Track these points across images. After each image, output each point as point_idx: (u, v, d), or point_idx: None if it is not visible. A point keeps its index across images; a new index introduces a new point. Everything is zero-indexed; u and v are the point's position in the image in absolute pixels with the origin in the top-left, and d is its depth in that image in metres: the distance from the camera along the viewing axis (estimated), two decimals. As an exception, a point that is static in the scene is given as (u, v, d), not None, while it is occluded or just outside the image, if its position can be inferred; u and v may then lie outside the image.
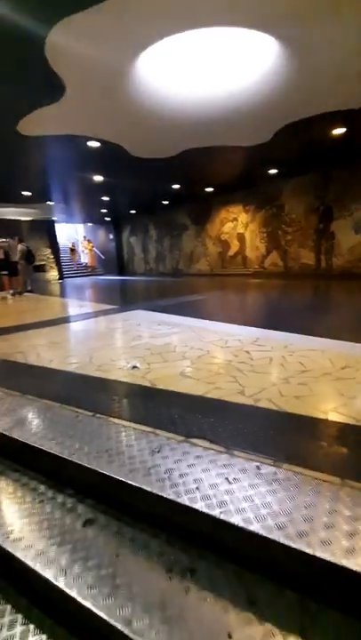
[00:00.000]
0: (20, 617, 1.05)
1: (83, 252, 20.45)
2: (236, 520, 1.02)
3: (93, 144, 6.16)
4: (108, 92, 4.41)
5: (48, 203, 12.13)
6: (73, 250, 17.46)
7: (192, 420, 1.69)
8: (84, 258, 20.38)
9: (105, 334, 3.86)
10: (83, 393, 2.19)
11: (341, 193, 9.17)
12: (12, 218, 14.73)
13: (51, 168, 7.89)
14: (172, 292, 9.09)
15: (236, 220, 12.18)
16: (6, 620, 1.04)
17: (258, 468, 1.27)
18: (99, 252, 19.90)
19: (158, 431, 1.60)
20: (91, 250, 19.82)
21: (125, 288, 11.24)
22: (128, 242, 18.16)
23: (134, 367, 2.59)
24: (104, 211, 14.79)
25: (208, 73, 4.16)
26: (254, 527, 0.99)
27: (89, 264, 19.90)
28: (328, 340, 3.07)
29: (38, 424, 1.79)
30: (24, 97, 4.40)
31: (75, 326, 4.44)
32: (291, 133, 6.25)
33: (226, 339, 3.29)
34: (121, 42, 3.42)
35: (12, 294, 9.15)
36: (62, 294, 9.66)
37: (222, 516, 1.03)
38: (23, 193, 10.17)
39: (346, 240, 9.32)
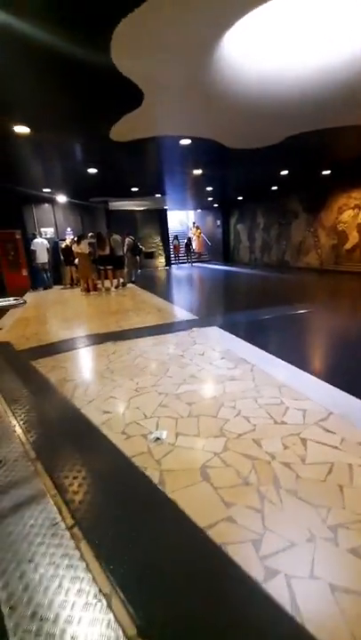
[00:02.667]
0: None
1: (192, 238, 20.59)
2: None
3: (185, 142, 5.74)
4: (187, 92, 3.89)
5: (156, 196, 12.35)
6: (177, 247, 18.03)
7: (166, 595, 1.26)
8: (193, 244, 20.51)
9: (160, 366, 3.58)
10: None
11: None
12: (129, 209, 15.65)
13: (149, 166, 7.83)
14: (269, 296, 8.25)
15: (358, 207, 10.15)
16: None
17: None
18: (206, 239, 19.72)
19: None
20: (199, 236, 19.78)
21: (220, 286, 10.78)
22: (235, 229, 17.38)
23: (157, 439, 2.24)
24: (210, 199, 14.33)
25: (309, 43, 3.21)
26: None
27: (196, 250, 19.95)
28: None
29: None
30: (105, 108, 4.27)
31: (135, 345, 4.29)
32: None
33: (287, 403, 2.61)
34: (199, 22, 2.81)
35: (116, 287, 9.74)
36: (158, 289, 9.83)
37: None
38: (132, 189, 10.54)
39: None
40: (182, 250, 18.50)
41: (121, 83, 3.51)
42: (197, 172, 8.09)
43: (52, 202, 11.24)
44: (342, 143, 6.67)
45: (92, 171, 7.54)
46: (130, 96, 3.85)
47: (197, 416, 2.52)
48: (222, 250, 18.11)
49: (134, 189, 10.63)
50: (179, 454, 2.10)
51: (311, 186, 11.55)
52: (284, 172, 9.27)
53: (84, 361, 3.90)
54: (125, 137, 5.35)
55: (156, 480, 1.89)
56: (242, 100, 4.24)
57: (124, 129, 4.92)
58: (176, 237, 17.82)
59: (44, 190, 9.67)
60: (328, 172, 9.60)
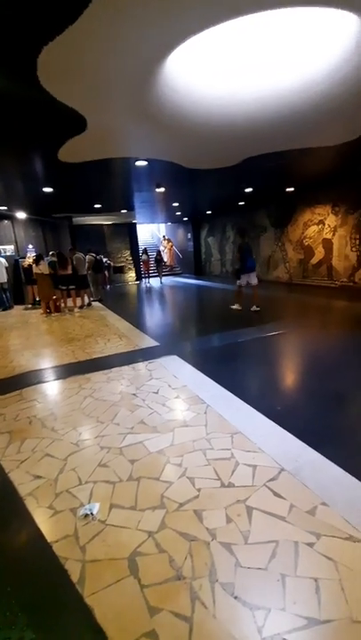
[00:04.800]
0: None
1: (162, 250, 20.49)
2: None
3: (141, 163, 5.58)
4: (132, 115, 3.73)
5: (122, 211, 12.15)
6: (146, 262, 16.46)
7: None
8: (164, 257, 20.40)
9: (109, 410, 3.30)
10: None
11: None
12: (95, 223, 15.34)
13: (109, 185, 7.61)
14: (236, 314, 8.15)
15: (322, 223, 10.35)
16: None
17: None
18: (178, 252, 19.67)
19: None
20: (170, 249, 19.70)
21: (188, 304, 10.63)
22: (206, 242, 17.43)
23: (87, 516, 1.97)
24: (179, 213, 14.27)
25: (259, 70, 3.12)
26: None
27: (168, 263, 19.83)
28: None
29: None
30: (46, 133, 4.03)
31: (87, 382, 3.99)
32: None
33: (238, 456, 2.40)
34: (143, 45, 2.65)
35: (80, 307, 9.38)
36: (123, 309, 9.55)
37: None
38: (95, 206, 10.27)
39: None
40: (152, 264, 17.18)
41: (58, 108, 3.29)
42: (160, 190, 7.95)
43: (11, 218, 10.77)
44: (301, 163, 6.73)
45: (48, 190, 7.24)
46: (71, 120, 3.63)
47: (138, 479, 2.26)
48: (194, 263, 18.09)
49: (97, 206, 10.38)
50: (108, 537, 1.83)
51: (277, 201, 11.72)
52: (249, 190, 9.31)
53: (26, 406, 3.55)
54: (75, 158, 5.12)
55: (75, 577, 1.62)
56: (194, 123, 4.12)
57: (73, 151, 4.69)
58: (145, 251, 16.34)
59: (0, 208, 9.24)
60: (292, 189, 9.74)
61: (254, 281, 7.44)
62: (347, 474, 2.17)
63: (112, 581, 1.59)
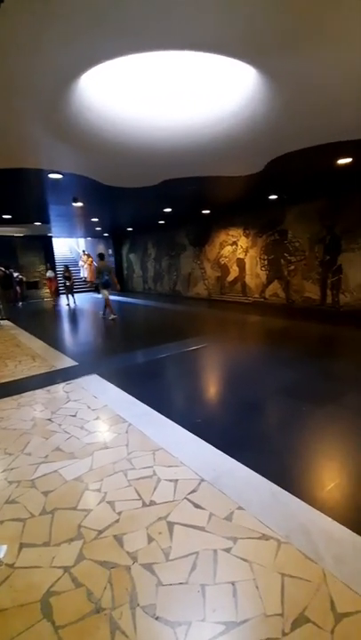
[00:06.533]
0: None
1: (82, 266, 19.86)
2: None
3: (55, 176, 5.41)
4: (44, 128, 3.63)
5: (36, 224, 11.51)
6: (51, 280, 14.52)
7: None
8: (84, 272, 19.76)
9: (19, 439, 3.02)
10: None
11: (352, 223, 8.16)
12: (5, 234, 14.20)
13: (19, 196, 7.17)
14: (160, 330, 8.26)
15: (235, 244, 11.27)
16: None
17: None
18: (98, 268, 19.26)
19: None
20: (90, 264, 19.17)
21: (110, 320, 10.44)
22: (128, 258, 17.47)
23: (-9, 562, 1.75)
24: (99, 228, 14.09)
25: (175, 100, 3.33)
26: None
27: (88, 279, 19.25)
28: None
29: None
30: None
31: None
32: (289, 162, 5.34)
33: (159, 473, 2.40)
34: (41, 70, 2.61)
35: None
36: (37, 327, 8.92)
37: None
38: (4, 216, 9.54)
39: (355, 275, 8.29)
40: (60, 282, 14.71)
41: None
42: (78, 204, 7.77)
43: None
44: (215, 189, 7.28)
45: None
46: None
47: (53, 511, 2.09)
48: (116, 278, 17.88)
49: (7, 216, 9.66)
50: (17, 581, 1.65)
51: (195, 222, 12.40)
52: (168, 210, 9.69)
53: None
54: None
55: (-26, 638, 1.41)
56: (110, 142, 4.16)
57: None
58: (67, 269, 13.00)
59: None
60: (208, 211, 10.43)
61: (108, 295, 9.26)
62: (258, 475, 2.34)
63: (22, 629, 1.43)
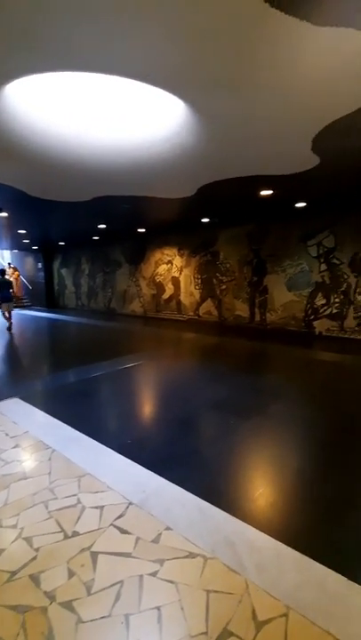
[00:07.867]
0: None
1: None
2: None
3: (-24, 183, 5.04)
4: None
5: None
6: None
7: None
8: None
9: None
10: None
11: (277, 247, 8.94)
12: None
13: None
14: (92, 349, 7.96)
15: (170, 262, 11.55)
16: None
17: None
18: (26, 282, 18.12)
19: None
20: (17, 279, 17.94)
21: (38, 339, 9.80)
22: (59, 273, 16.75)
23: None
24: (27, 241, 13.34)
25: (103, 119, 3.35)
26: None
27: (15, 293, 17.94)
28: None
29: None
30: None
31: None
32: (218, 189, 5.70)
33: (84, 501, 2.27)
34: None
35: None
36: None
37: None
38: None
39: (279, 296, 9.04)
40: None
41: None
42: (2, 214, 7.30)
43: None
44: (149, 209, 7.43)
45: None
46: None
47: None
48: (45, 294, 16.99)
49: None
50: None
51: (131, 239, 12.45)
52: (102, 226, 9.60)
53: None
54: None
55: None
56: (36, 153, 4.03)
57: None
58: None
59: None
60: (143, 229, 10.57)
61: (9, 309, 9.66)
62: (186, 492, 2.34)
63: None
